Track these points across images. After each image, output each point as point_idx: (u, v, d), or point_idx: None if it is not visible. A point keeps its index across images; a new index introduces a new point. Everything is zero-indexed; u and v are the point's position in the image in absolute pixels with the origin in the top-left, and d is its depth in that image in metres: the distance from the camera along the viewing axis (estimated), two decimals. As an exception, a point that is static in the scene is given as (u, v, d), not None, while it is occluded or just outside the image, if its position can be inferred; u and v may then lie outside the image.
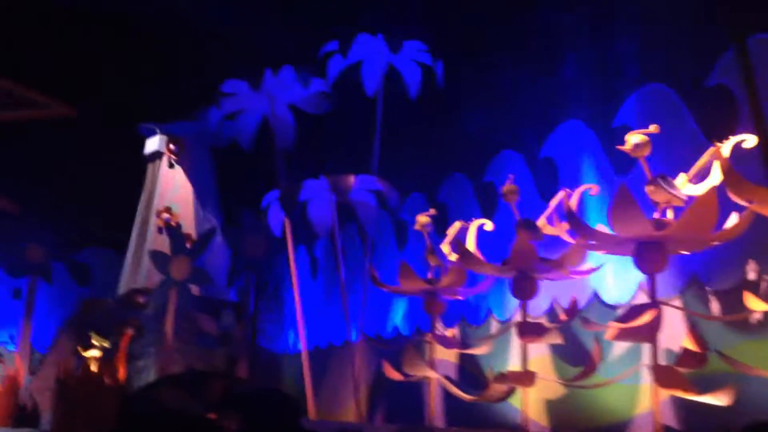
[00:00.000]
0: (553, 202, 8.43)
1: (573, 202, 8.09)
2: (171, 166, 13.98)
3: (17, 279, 13.50)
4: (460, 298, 9.56)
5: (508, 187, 8.64)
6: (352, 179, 11.38)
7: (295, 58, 12.86)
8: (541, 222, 8.48)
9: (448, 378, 9.63)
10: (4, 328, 13.58)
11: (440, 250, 9.31)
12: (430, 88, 11.75)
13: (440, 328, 9.33)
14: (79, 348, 10.26)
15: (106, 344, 10.39)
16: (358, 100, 12.12)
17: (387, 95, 12.09)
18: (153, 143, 14.06)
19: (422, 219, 9.68)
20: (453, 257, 8.90)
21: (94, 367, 10.01)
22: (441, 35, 11.84)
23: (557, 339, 8.22)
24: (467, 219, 9.39)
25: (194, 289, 12.63)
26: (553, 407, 9.16)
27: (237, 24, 14.12)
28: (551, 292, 9.24)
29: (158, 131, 14.02)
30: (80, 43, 13.92)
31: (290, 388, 12.18)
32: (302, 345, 11.99)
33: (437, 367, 9.38)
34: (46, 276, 13.52)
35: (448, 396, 9.56)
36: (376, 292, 11.21)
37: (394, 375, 9.38)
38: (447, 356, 10.16)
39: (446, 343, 9.28)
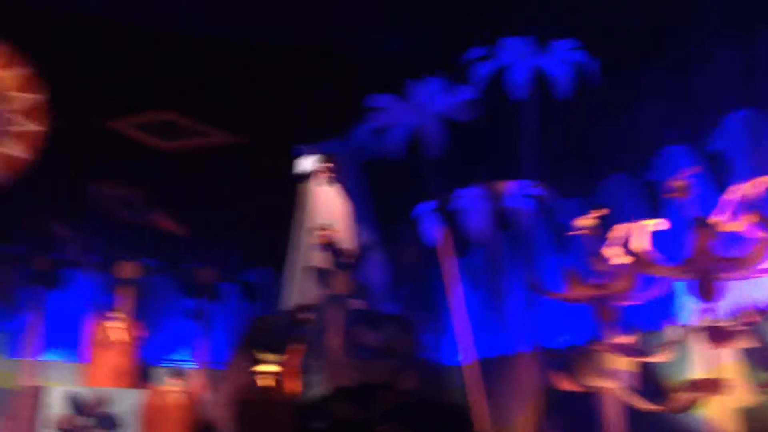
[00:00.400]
0: (730, 197, 7.93)
1: (756, 193, 7.58)
2: (324, 184, 14.30)
3: (193, 300, 14.17)
4: (632, 303, 9.17)
5: (679, 183, 8.21)
6: (507, 185, 11.22)
7: (440, 67, 12.88)
8: (716, 219, 8.01)
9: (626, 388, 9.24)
10: (183, 347, 14.34)
11: (605, 254, 8.97)
12: (582, 87, 11.42)
13: (615, 336, 8.97)
14: (254, 364, 10.62)
15: (277, 360, 10.71)
16: (507, 105, 11.95)
17: (537, 97, 11.85)
18: (306, 163, 14.46)
19: (586, 222, 9.37)
20: (622, 260, 8.55)
21: (269, 382, 10.33)
22: (592, 32, 11.50)
23: (752, 342, 7.71)
24: (631, 220, 9.00)
25: (355, 303, 12.83)
26: (744, 417, 8.58)
27: (379, 39, 14.33)
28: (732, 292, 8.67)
29: (310, 151, 14.39)
30: (238, 75, 14.59)
31: (455, 401, 12.11)
32: (466, 356, 11.89)
33: (612, 376, 9.02)
34: (217, 296, 14.15)
35: (625, 407, 9.17)
36: (539, 300, 10.96)
37: (568, 386, 9.11)
38: (621, 365, 9.75)
39: (624, 351, 8.91)
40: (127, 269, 13.76)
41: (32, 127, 13.91)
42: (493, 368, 12.46)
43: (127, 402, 12.57)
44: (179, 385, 12.89)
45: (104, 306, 13.50)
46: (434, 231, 12.07)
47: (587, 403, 9.85)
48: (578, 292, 9.02)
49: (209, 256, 14.29)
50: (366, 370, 12.06)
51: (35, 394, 12.31)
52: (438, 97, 12.67)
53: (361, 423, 10.53)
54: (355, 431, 10.85)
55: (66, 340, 13.74)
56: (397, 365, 12.43)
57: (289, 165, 14.54)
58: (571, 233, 9.63)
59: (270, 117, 14.52)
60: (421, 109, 12.72)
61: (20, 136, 13.81)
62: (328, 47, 14.08)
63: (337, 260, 12.59)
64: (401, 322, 13.10)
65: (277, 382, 10.87)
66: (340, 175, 14.36)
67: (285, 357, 11.00)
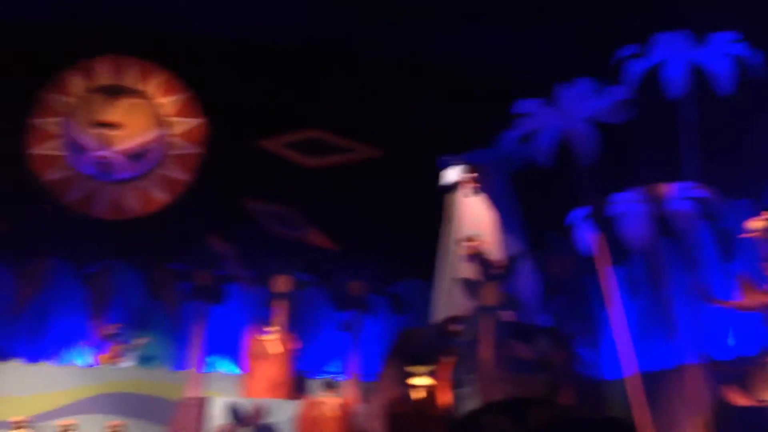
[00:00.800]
0: None
1: None
2: (471, 194, 14.12)
3: (344, 312, 14.38)
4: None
5: None
6: (667, 188, 10.60)
7: (589, 68, 12.44)
8: None
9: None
10: (335, 359, 14.55)
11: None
12: (745, 82, 10.66)
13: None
14: (406, 377, 10.57)
15: (428, 372, 10.60)
16: (663, 104, 11.34)
17: (696, 94, 11.17)
18: (451, 174, 14.34)
19: (758, 224, 8.67)
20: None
21: (421, 395, 10.24)
22: (754, 22, 10.73)
23: None
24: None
25: (506, 315, 12.53)
26: None
27: (522, 42, 14.05)
28: None
29: (456, 162, 14.26)
30: (384, 89, 14.76)
31: (617, 417, 11.52)
32: (627, 370, 11.30)
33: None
34: (367, 308, 14.28)
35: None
36: (706, 309, 10.25)
37: (741, 400, 8.42)
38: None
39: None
40: (282, 283, 14.13)
41: (191, 149, 14.66)
42: (656, 382, 11.76)
43: (284, 413, 12.85)
44: (333, 396, 13.06)
45: (261, 319, 13.92)
46: (589, 239, 11.59)
47: (762, 418, 9.09)
48: (752, 299, 8.35)
49: (359, 269, 14.45)
50: (520, 384, 11.71)
51: (199, 405, 12.83)
52: (588, 100, 12.22)
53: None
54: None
55: (226, 352, 14.28)
56: (553, 379, 12.01)
57: (436, 176, 14.49)
58: (741, 236, 8.95)
59: (415, 129, 14.54)
60: (571, 112, 12.29)
61: (180, 158, 14.60)
62: (472, 54, 13.96)
63: (486, 271, 12.36)
64: (555, 334, 12.66)
65: (430, 395, 10.74)
66: (487, 184, 14.14)
67: (436, 370, 10.86)
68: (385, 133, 14.88)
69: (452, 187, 14.18)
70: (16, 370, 13.45)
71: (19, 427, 12.84)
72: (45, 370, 13.52)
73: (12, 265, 14.11)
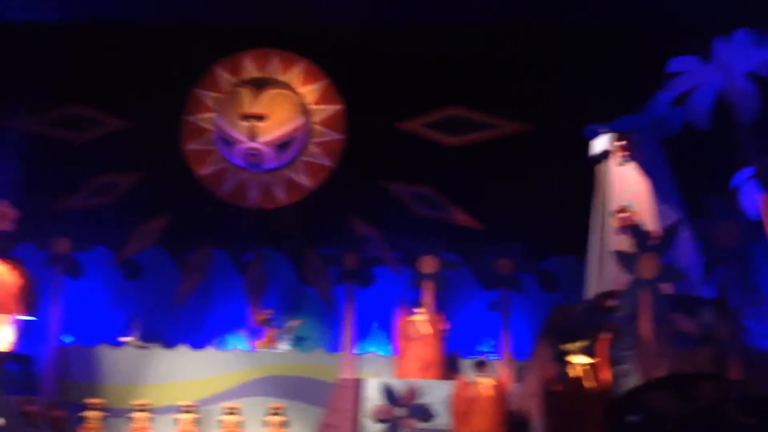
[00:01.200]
0: None
1: None
2: (622, 163, 13.46)
3: (493, 292, 14.15)
4: None
5: None
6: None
7: (746, 18, 11.51)
8: None
9: None
10: (486, 339, 14.36)
11: None
12: None
13: None
14: (561, 355, 10.25)
15: (585, 350, 10.22)
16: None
17: None
18: (600, 143, 13.73)
19: None
20: None
21: (578, 374, 9.89)
22: None
23: None
24: None
25: (665, 288, 11.85)
26: None
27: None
28: None
29: (604, 130, 13.64)
30: (518, 59, 14.35)
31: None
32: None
33: None
34: (517, 287, 13.99)
35: None
36: None
37: None
38: None
39: None
40: (428, 264, 14.09)
41: (333, 135, 14.88)
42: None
43: (437, 393, 12.83)
44: (485, 376, 12.89)
45: (409, 300, 13.95)
46: (755, 202, 10.73)
47: None
48: None
49: (507, 247, 14.15)
50: (683, 359, 11.03)
51: (354, 387, 13.04)
52: (748, 53, 11.34)
53: (682, 417, 9.64)
54: (675, 425, 9.98)
55: (377, 333, 14.43)
56: (719, 353, 11.22)
57: (584, 147, 13.92)
58: None
59: (559, 98, 14.03)
60: (729, 68, 11.46)
61: (323, 145, 14.85)
62: (619, 12, 13.26)
63: (642, 243, 11.74)
64: (720, 306, 11.81)
65: (587, 373, 10.36)
66: (639, 151, 13.41)
67: (592, 347, 10.44)
68: (528, 105, 14.46)
69: (602, 157, 13.58)
70: (183, 356, 14.22)
71: (187, 411, 13.58)
72: (209, 356, 14.22)
73: (175, 256, 14.91)
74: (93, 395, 13.63)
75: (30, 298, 13.71)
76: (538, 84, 14.31)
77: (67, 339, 14.50)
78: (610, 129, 13.48)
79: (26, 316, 13.70)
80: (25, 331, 13.79)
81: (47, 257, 14.36)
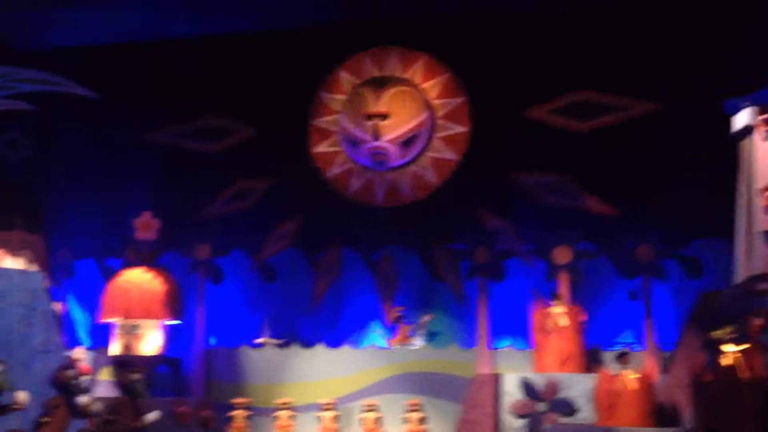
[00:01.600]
0: None
1: None
2: (767, 138, 12.60)
3: (631, 280, 13.60)
4: None
5: None
6: None
7: None
8: None
9: None
10: (627, 329, 13.80)
11: None
12: None
13: None
14: (710, 344, 9.69)
15: (736, 337, 9.62)
16: None
17: None
18: (742, 118, 12.92)
19: None
20: None
21: (730, 362, 9.31)
22: None
23: None
24: None
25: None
26: None
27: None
28: None
29: (746, 104, 12.81)
30: (642, 35, 13.73)
31: None
32: None
33: None
34: (659, 274, 13.37)
35: None
36: None
37: None
38: None
39: None
40: (563, 255, 13.72)
41: (457, 129, 14.73)
42: None
43: (578, 387, 12.48)
44: (629, 368, 12.40)
45: (544, 293, 13.62)
46: None
47: None
48: None
49: (646, 233, 13.56)
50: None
51: (493, 382, 12.86)
52: None
53: None
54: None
55: (513, 327, 14.16)
56: None
57: (725, 123, 13.13)
58: None
59: (695, 74, 13.27)
60: None
61: (448, 139, 14.72)
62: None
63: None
64: None
65: (740, 361, 9.75)
66: (786, 124, 12.49)
67: (744, 333, 9.80)
68: (658, 83, 13.76)
69: (744, 133, 12.77)
70: (320, 355, 14.49)
71: (327, 409, 13.81)
72: (345, 354, 14.41)
73: (309, 257, 15.21)
74: (238, 395, 14.12)
75: (176, 304, 14.39)
76: (668, 59, 13.59)
77: (212, 341, 15.10)
78: (753, 102, 12.68)
79: (174, 320, 14.39)
80: (173, 335, 14.49)
81: (190, 264, 15.02)
